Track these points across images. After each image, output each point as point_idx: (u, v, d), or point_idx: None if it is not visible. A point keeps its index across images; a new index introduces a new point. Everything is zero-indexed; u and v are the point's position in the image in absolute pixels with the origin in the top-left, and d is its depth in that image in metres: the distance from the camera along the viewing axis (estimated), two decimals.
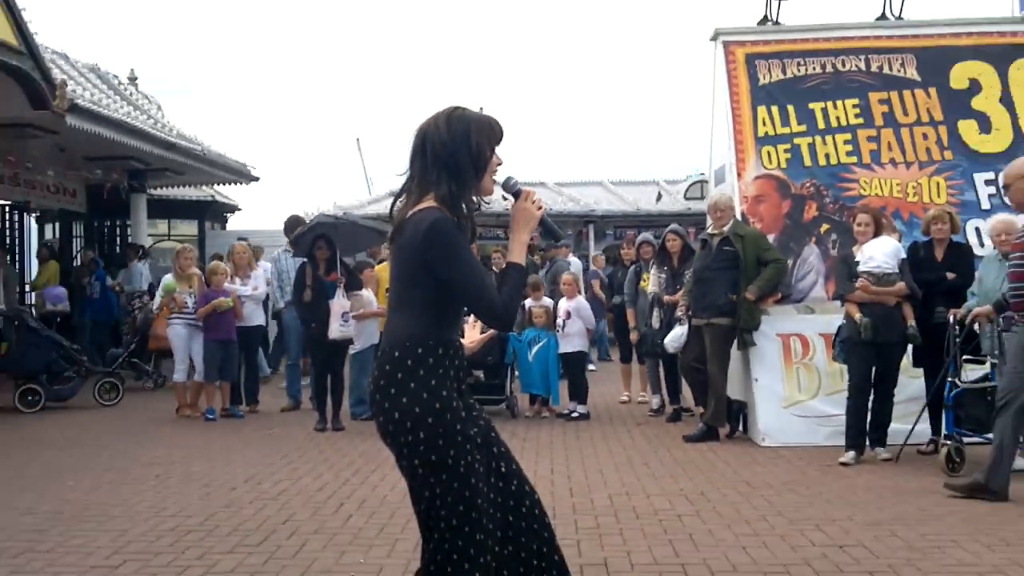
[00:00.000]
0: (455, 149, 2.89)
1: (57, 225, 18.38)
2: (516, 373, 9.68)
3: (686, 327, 8.10)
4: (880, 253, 6.91)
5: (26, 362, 10.31)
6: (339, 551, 4.74)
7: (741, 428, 8.10)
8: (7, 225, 16.75)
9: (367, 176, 34.37)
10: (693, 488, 6.10)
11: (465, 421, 2.85)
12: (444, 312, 2.90)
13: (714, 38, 8.93)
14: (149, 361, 12.09)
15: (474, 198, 2.98)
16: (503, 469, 2.97)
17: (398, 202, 2.99)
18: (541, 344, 9.34)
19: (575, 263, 13.11)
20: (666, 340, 8.27)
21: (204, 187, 19.13)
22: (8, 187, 15.28)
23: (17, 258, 16.64)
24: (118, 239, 18.00)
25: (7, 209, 16.55)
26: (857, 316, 6.78)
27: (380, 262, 10.71)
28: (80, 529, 5.21)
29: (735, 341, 7.77)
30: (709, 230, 8.15)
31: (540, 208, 2.99)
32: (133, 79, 17.82)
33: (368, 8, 76.80)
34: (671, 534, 5.01)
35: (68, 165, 15.16)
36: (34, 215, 18.19)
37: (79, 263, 15.98)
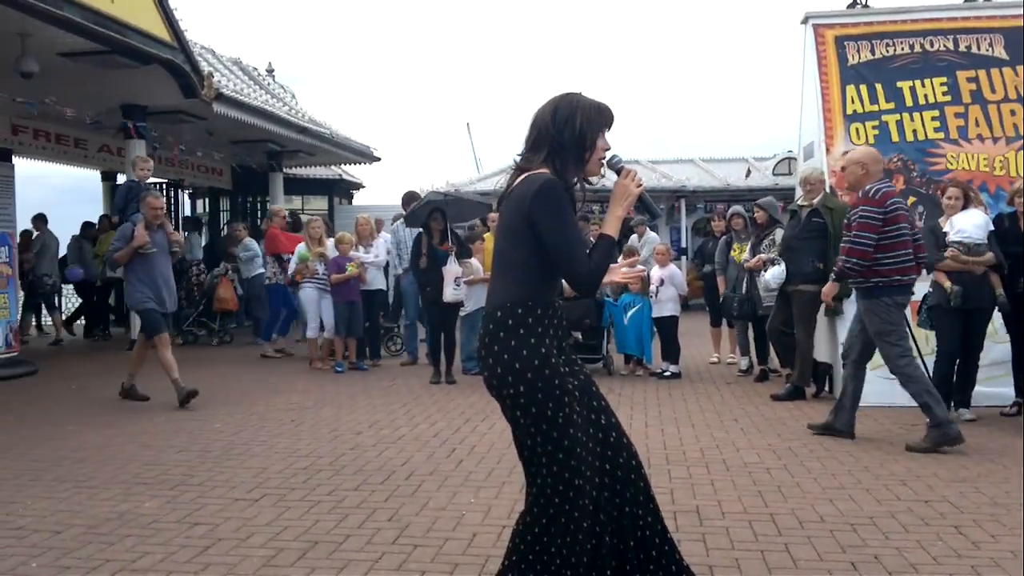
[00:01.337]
0: (559, 132, 2.84)
1: (207, 200, 19.02)
2: (612, 335, 9.55)
3: (783, 266, 7.75)
4: (970, 224, 6.53)
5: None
6: (452, 491, 4.75)
7: (827, 388, 7.81)
8: (166, 199, 17.35)
9: (476, 157, 34.52)
10: (781, 443, 5.90)
11: (564, 376, 2.79)
12: (544, 274, 2.83)
13: (804, 21, 8.54)
14: (214, 320, 12.88)
15: (575, 179, 2.92)
16: (602, 421, 2.91)
17: (513, 175, 2.92)
18: (636, 308, 9.19)
19: (652, 237, 12.75)
20: (768, 277, 7.84)
21: (332, 167, 19.50)
22: (165, 167, 15.94)
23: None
24: (259, 212, 18.52)
25: (164, 186, 17.16)
26: (947, 284, 6.43)
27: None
28: (226, 466, 5.37)
29: (823, 307, 7.47)
30: (799, 201, 7.84)
31: (639, 186, 2.91)
32: (271, 71, 18.20)
33: (479, 3, 76.71)
34: (760, 485, 4.85)
35: (215, 147, 15.64)
36: (187, 191, 18.91)
37: (226, 234, 16.48)
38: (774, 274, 7.74)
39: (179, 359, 7.67)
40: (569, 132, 2.84)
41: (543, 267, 2.82)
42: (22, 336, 12.53)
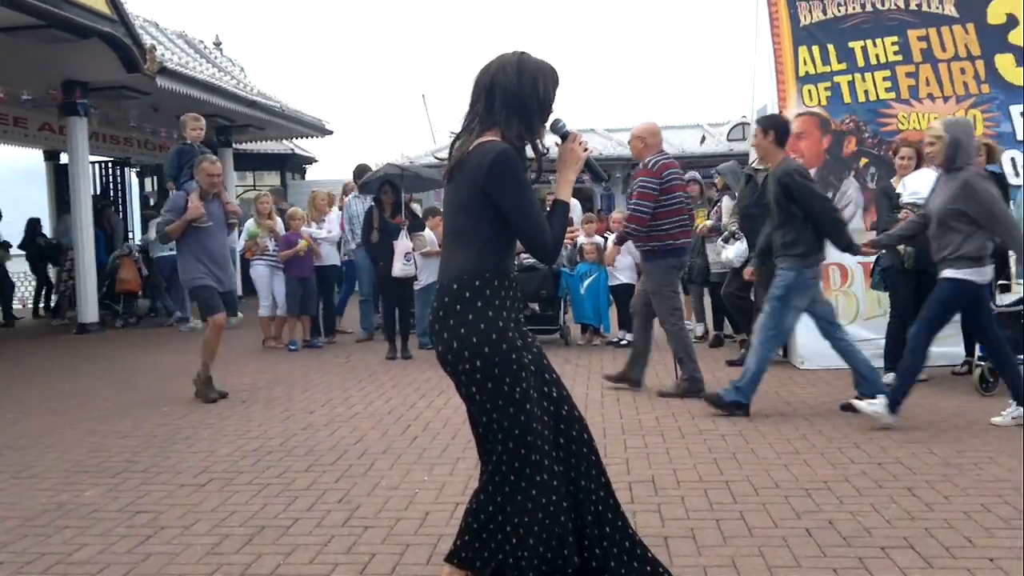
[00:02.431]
0: (525, 95, 2.73)
1: (155, 179, 18.54)
2: (569, 305, 9.48)
3: (744, 242, 7.70)
4: (924, 186, 6.50)
5: None
6: (405, 470, 4.65)
7: (781, 353, 7.81)
8: (111, 179, 16.89)
9: (432, 129, 34.00)
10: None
11: (520, 350, 2.71)
12: (500, 244, 2.75)
13: None
14: (118, 302, 12.54)
15: (540, 142, 2.82)
16: (554, 394, 2.84)
17: (459, 140, 2.78)
18: (592, 277, 9.12)
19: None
20: (731, 256, 7.79)
21: (284, 141, 19.08)
22: (110, 145, 15.48)
23: (121, 209, 16.80)
24: None
25: (111, 165, 16.69)
26: (900, 246, 6.42)
27: None
28: (172, 451, 5.21)
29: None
30: (755, 165, 7.78)
31: (586, 150, 2.83)
32: (218, 44, 17.68)
33: None
34: (715, 452, 4.82)
35: (162, 124, 15.21)
36: (134, 170, 18.40)
37: None
38: (737, 252, 7.68)
39: (113, 342, 7.45)
40: (534, 95, 2.74)
41: (500, 239, 2.73)
42: None
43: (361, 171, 10.54)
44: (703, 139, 20.58)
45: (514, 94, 2.73)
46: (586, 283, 9.13)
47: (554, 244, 2.74)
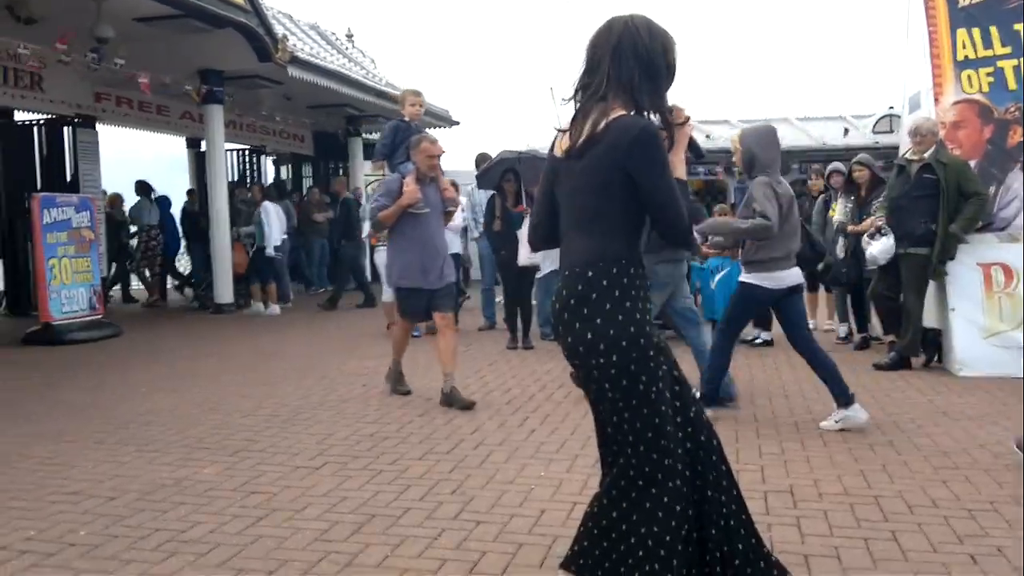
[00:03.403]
0: (656, 55, 2.50)
1: (290, 167, 19.11)
2: (699, 300, 9.06)
3: (892, 238, 7.13)
4: None
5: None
6: (521, 464, 4.45)
7: (936, 358, 7.19)
8: (248, 166, 17.49)
9: (560, 122, 33.69)
10: (885, 417, 5.39)
11: (656, 346, 2.47)
12: (635, 228, 2.53)
13: None
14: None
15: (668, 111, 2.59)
16: (682, 395, 2.59)
17: (585, 112, 2.51)
18: (724, 272, 8.66)
19: None
20: (875, 252, 7.21)
21: None
22: (247, 133, 16.02)
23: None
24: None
25: (247, 152, 17.26)
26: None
27: None
28: (291, 431, 5.19)
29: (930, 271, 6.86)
30: (907, 155, 7.19)
31: (690, 124, 2.71)
32: (350, 36, 18.05)
33: None
34: (862, 463, 4.39)
35: (294, 113, 15.63)
36: (271, 158, 19.03)
37: (307, 200, 16.50)
38: (882, 249, 7.09)
39: (236, 326, 7.55)
40: (663, 60, 2.51)
41: (635, 223, 2.52)
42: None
43: (482, 159, 10.43)
44: (846, 131, 19.58)
45: (646, 53, 2.49)
46: (717, 278, 8.66)
47: (691, 227, 2.54)
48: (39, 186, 11.68)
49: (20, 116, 12.23)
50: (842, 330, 8.69)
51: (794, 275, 5.28)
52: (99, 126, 12.72)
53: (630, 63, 2.48)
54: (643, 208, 2.49)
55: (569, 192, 2.59)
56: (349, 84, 13.37)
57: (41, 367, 7.72)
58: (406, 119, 7.11)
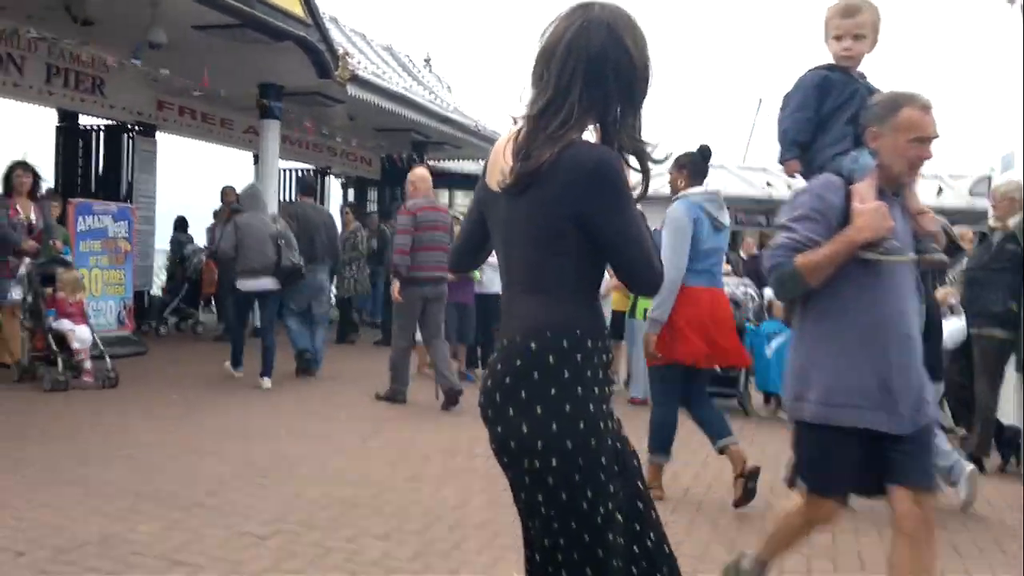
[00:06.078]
0: (639, 78, 1.95)
1: (354, 190, 18.98)
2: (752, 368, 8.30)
3: (963, 319, 6.31)
4: None
5: None
6: (495, 556, 3.83)
7: (1015, 460, 6.29)
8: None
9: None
10: (945, 537, 4.57)
11: (612, 452, 1.93)
12: (591, 288, 1.99)
13: (1012, 0, 7.03)
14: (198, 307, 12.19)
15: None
16: (640, 516, 2.03)
17: (538, 132, 1.92)
18: (781, 338, 7.91)
19: None
20: (944, 335, 6.44)
21: (481, 160, 18.98)
22: (313, 152, 15.89)
23: None
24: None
25: (312, 172, 17.15)
26: None
27: None
28: (256, 486, 4.69)
29: (1012, 359, 6.00)
30: (990, 223, 6.38)
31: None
32: (428, 61, 17.90)
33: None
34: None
35: (361, 135, 15.43)
36: (340, 180, 18.91)
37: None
38: (950, 331, 6.28)
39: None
40: (645, 74, 1.95)
41: (591, 281, 1.98)
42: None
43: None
44: (940, 191, 18.44)
45: (630, 72, 1.93)
46: (774, 344, 7.93)
47: (661, 273, 2.00)
48: (94, 193, 11.64)
49: (84, 120, 12.27)
50: None
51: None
52: (159, 135, 12.67)
53: (609, 87, 1.92)
54: (602, 258, 1.95)
55: (507, 240, 2.02)
56: (412, 107, 13.05)
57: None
58: (836, 65, 3.21)
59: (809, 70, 3.16)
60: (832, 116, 3.07)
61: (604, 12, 1.93)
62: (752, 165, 22.18)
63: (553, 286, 1.95)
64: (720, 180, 19.19)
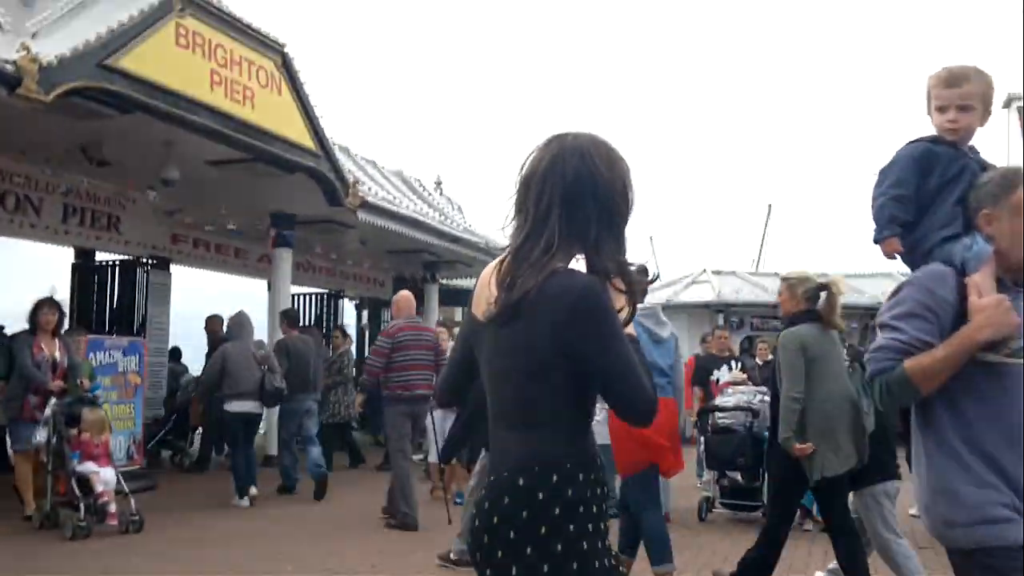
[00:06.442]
0: (617, 197, 1.94)
1: (367, 312, 19.10)
2: None
3: None
4: None
5: None
6: None
7: None
8: (326, 309, 17.49)
9: (657, 267, 33.26)
10: None
11: None
12: (584, 417, 1.91)
13: (1007, 104, 7.14)
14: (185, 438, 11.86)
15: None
16: None
17: (521, 261, 1.90)
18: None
19: None
20: None
21: None
22: (327, 277, 16.08)
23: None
24: None
25: (326, 296, 17.31)
26: None
27: None
28: None
29: None
30: None
31: None
32: (439, 183, 18.30)
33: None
34: None
35: (373, 258, 15.63)
36: (354, 302, 19.06)
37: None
38: None
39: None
40: (624, 200, 1.95)
41: (580, 410, 1.90)
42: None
43: None
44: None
45: (607, 194, 1.91)
46: None
47: (655, 400, 1.87)
48: (107, 328, 11.75)
49: (100, 256, 12.50)
50: None
51: None
52: (174, 267, 12.87)
53: (588, 210, 1.90)
54: (593, 387, 1.87)
55: (494, 372, 1.96)
56: (422, 229, 13.25)
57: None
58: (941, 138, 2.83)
59: (909, 142, 2.80)
60: (938, 195, 2.69)
61: (578, 140, 1.95)
62: (765, 271, 22.34)
63: (542, 419, 1.88)
64: (732, 286, 19.40)
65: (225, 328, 9.63)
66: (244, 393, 8.41)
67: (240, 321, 9.01)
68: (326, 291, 17.08)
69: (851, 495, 5.13)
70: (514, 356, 1.90)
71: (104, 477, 7.00)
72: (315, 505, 8.41)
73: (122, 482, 7.16)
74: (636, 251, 2.01)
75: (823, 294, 4.98)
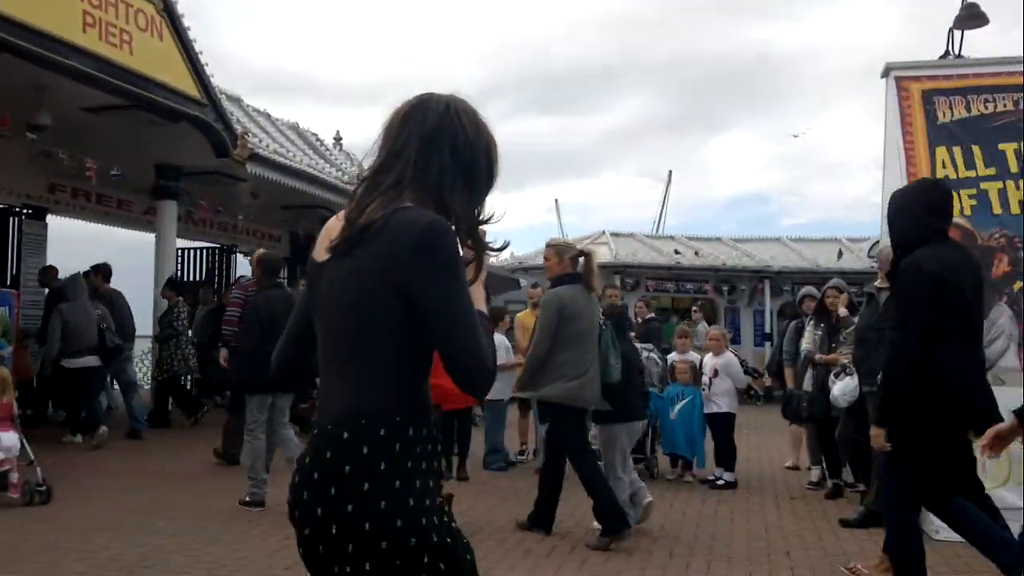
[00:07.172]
0: (478, 157, 1.90)
1: None
2: (658, 432, 8.32)
3: (855, 378, 6.45)
4: None
5: None
6: None
7: None
8: (217, 265, 17.04)
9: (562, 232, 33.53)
10: None
11: (436, 550, 1.75)
12: (417, 365, 1.81)
13: (885, 74, 7.37)
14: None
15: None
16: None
17: (372, 189, 1.85)
18: (685, 401, 7.97)
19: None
20: (836, 393, 6.55)
21: None
22: (217, 232, 15.63)
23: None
24: None
25: (217, 251, 16.86)
26: None
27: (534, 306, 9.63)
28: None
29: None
30: (877, 283, 6.59)
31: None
32: (338, 139, 17.97)
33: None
34: None
35: (267, 212, 15.26)
36: (247, 258, 18.61)
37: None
38: (843, 391, 6.42)
39: None
40: (484, 159, 1.91)
41: (416, 356, 1.80)
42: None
43: None
44: (840, 254, 19.17)
45: (467, 150, 1.88)
46: (677, 407, 7.98)
47: (494, 367, 1.80)
48: None
49: None
50: (814, 474, 7.88)
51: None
52: (51, 218, 12.28)
53: (444, 157, 1.85)
54: (428, 339, 1.77)
55: (325, 312, 1.87)
56: (317, 184, 13.00)
57: None
58: None
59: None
60: None
61: (444, 96, 1.93)
62: (664, 234, 22.86)
63: (372, 366, 1.77)
64: (629, 248, 19.77)
65: (61, 289, 9.73)
66: (83, 350, 8.95)
67: (75, 280, 9.50)
68: (217, 246, 16.62)
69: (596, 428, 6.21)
70: (348, 290, 1.79)
71: (5, 443, 6.18)
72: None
73: (28, 449, 6.37)
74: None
75: (582, 259, 5.65)
